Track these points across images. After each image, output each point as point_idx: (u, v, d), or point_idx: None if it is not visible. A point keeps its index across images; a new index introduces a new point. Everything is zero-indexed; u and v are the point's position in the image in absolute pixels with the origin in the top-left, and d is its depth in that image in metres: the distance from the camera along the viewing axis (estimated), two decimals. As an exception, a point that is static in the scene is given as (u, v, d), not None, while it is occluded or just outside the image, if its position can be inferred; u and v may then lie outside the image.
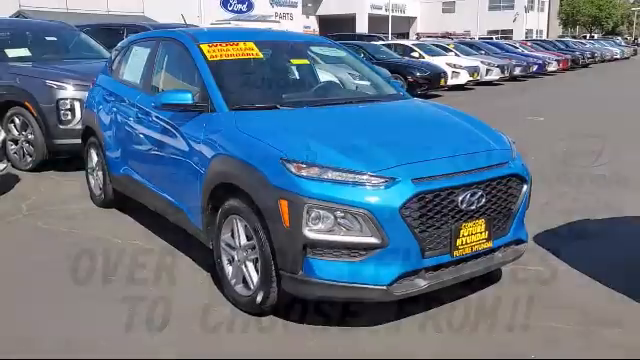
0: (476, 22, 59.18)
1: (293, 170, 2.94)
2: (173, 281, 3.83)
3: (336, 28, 47.42)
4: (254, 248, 3.23)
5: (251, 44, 4.22)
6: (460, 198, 3.02)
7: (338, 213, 2.85)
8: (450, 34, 45.75)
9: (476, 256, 3.21)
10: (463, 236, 3.06)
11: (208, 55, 3.98)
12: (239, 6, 44.55)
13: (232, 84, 3.85)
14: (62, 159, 7.04)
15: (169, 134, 3.95)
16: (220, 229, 3.48)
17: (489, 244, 3.21)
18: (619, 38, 62.56)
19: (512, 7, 62.09)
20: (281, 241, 2.97)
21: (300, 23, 49.09)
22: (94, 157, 5.45)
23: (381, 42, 20.65)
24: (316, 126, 3.39)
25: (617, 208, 5.27)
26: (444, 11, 65.19)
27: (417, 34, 47.51)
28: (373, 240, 2.85)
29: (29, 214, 5.31)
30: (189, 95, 3.68)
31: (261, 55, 4.19)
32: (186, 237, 4.34)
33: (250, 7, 45.98)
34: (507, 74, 20.48)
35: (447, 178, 3.01)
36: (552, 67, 25.05)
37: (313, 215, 2.87)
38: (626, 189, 6.04)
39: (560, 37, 58.85)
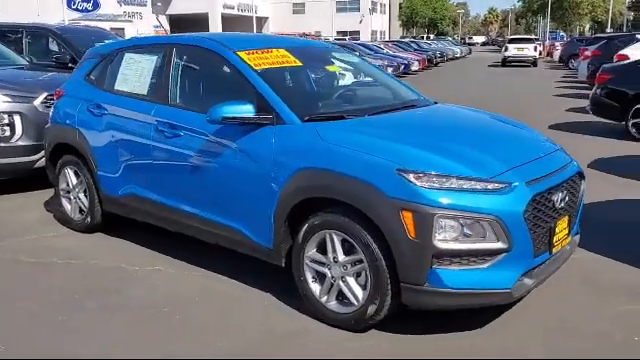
0: (325, 23, 61.41)
1: (413, 180, 2.92)
2: (240, 307, 3.58)
3: (188, 28, 46.17)
4: (356, 263, 3.15)
5: (283, 51, 4.07)
6: (555, 197, 3.20)
7: (464, 221, 2.89)
8: (307, 35, 46.79)
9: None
10: (556, 233, 3.26)
11: (252, 64, 3.76)
12: (84, 5, 41.82)
13: (289, 94, 3.69)
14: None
15: (217, 149, 3.67)
16: (304, 246, 3.33)
17: (569, 239, 3.45)
18: (449, 38, 68.55)
19: (358, 9, 65.36)
20: (405, 253, 2.93)
21: (150, 22, 47.26)
22: (72, 177, 4.87)
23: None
24: (404, 134, 3.38)
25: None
26: (294, 12, 66.73)
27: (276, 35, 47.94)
28: (500, 245, 2.93)
29: (-2, 249, 4.60)
30: (250, 107, 3.47)
31: (299, 63, 4.05)
32: (212, 256, 4.19)
33: (96, 6, 43.20)
34: (382, 74, 21.47)
35: (546, 179, 3.18)
36: (415, 67, 26.76)
37: (441, 224, 2.88)
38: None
39: (402, 37, 62.94)
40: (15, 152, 5.84)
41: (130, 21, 41.79)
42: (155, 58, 4.30)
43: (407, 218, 2.89)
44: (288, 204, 3.33)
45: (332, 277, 3.27)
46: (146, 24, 45.30)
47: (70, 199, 4.95)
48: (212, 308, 3.57)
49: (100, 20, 35.11)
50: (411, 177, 2.93)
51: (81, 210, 4.88)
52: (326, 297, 3.32)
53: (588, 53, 16.03)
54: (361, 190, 3.02)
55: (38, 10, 33.40)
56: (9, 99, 5.82)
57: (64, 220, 5.08)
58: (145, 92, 4.26)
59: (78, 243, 4.69)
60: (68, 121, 4.78)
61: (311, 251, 3.33)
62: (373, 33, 66.07)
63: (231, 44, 3.95)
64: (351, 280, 3.21)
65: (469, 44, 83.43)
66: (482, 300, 3.02)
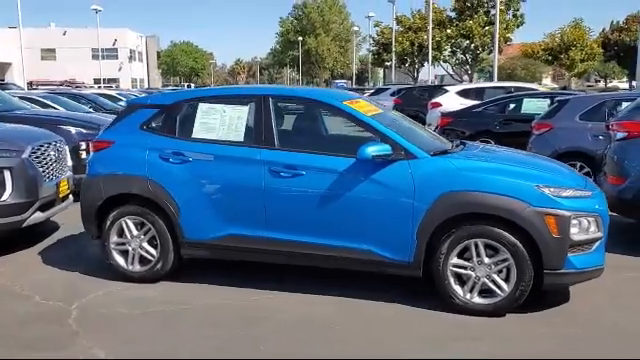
0: (80, 70, 58.04)
1: (549, 193, 4.02)
2: (385, 318, 4.19)
3: None
4: (499, 262, 4.08)
5: (363, 101, 4.83)
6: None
7: (581, 219, 4.08)
8: (71, 82, 44.03)
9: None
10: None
11: (362, 111, 4.47)
12: None
13: (403, 134, 4.46)
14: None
15: (351, 183, 4.25)
16: (447, 255, 4.14)
17: (600, 231, 4.88)
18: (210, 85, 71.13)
19: (116, 57, 63.74)
20: (549, 247, 3.99)
21: None
22: (131, 228, 4.76)
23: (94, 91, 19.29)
24: (508, 162, 4.48)
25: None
26: (43, 58, 62.25)
27: (30, 82, 43.57)
28: (599, 234, 4.19)
29: (81, 309, 4.28)
30: (388, 146, 4.20)
31: (380, 110, 4.84)
32: (304, 281, 4.69)
33: None
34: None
35: (598, 189, 4.58)
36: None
37: (574, 223, 4.02)
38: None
39: (165, 86, 63.19)
40: (5, 211, 5.29)
41: None
42: (245, 108, 4.62)
43: (550, 221, 3.98)
44: (435, 222, 4.12)
45: (476, 277, 4.14)
46: None
47: (127, 251, 4.81)
48: (360, 319, 4.15)
49: None
50: (546, 191, 4.03)
51: (142, 259, 4.79)
52: (470, 294, 4.17)
53: (389, 103, 18.97)
54: (510, 204, 4.00)
55: None
56: (-1, 154, 5.29)
57: (110, 273, 4.87)
58: (241, 139, 4.56)
59: (159, 291, 4.62)
60: (133, 171, 4.71)
61: (454, 258, 4.16)
62: (133, 81, 64.94)
63: (334, 96, 4.59)
64: (495, 276, 4.12)
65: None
66: (592, 275, 4.23)
